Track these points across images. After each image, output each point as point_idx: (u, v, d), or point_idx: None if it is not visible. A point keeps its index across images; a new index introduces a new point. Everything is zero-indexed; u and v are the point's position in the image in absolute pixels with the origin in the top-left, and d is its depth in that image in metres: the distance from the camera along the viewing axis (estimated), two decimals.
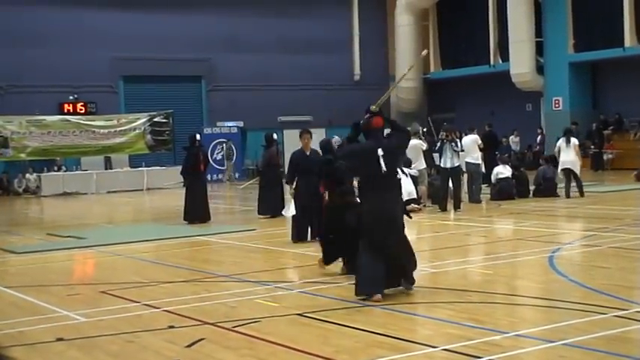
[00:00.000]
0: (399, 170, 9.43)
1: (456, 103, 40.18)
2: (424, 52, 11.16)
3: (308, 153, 14.77)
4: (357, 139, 9.33)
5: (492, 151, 25.95)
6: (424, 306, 8.63)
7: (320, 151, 12.32)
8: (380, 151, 8.99)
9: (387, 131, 9.50)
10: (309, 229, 14.15)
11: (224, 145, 35.57)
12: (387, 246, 8.95)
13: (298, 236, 14.20)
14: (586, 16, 34.15)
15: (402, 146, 9.71)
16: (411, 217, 9.83)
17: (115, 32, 35.34)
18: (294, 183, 14.44)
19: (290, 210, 14.50)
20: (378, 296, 8.73)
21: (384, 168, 8.96)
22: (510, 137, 35.03)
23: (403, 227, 9.25)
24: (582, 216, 18.02)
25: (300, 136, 15.18)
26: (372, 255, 8.93)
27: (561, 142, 20.90)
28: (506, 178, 21.16)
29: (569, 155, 20.56)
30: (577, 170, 20.49)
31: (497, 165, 21.92)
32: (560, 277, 9.90)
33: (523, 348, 6.77)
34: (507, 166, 21.64)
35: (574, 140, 20.82)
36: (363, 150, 9.25)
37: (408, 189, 18.83)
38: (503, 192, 20.89)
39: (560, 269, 10.35)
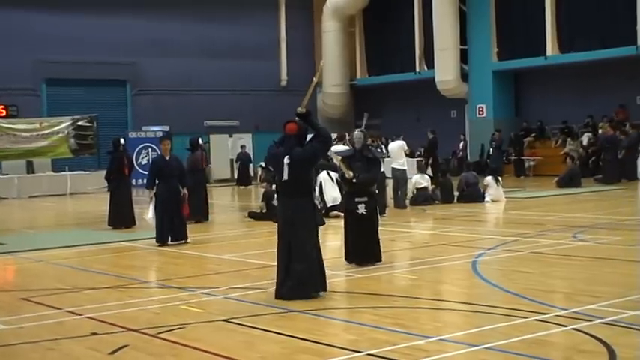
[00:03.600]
0: (308, 178, 9.46)
1: (382, 109, 40.48)
2: (322, 63, 11.55)
3: (168, 158, 15.36)
4: (282, 142, 9.38)
5: (435, 156, 27.69)
6: (349, 311, 8.67)
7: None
8: (286, 159, 9.22)
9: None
10: (170, 232, 14.95)
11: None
12: (286, 249, 9.29)
13: (161, 238, 14.86)
14: (509, 26, 34.77)
15: (313, 156, 9.47)
16: (323, 224, 9.86)
17: (38, 34, 34.73)
18: (155, 187, 15.11)
19: (150, 213, 15.11)
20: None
21: (285, 176, 9.21)
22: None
23: (305, 234, 9.25)
24: (505, 221, 18.33)
25: (160, 142, 15.84)
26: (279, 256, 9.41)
27: (490, 180, 21.79)
28: (425, 187, 21.45)
29: (498, 192, 21.62)
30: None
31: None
32: (483, 282, 10.04)
33: (447, 352, 6.85)
34: (425, 175, 21.97)
35: (500, 181, 22.17)
36: (274, 156, 9.51)
37: (332, 195, 18.92)
38: (424, 202, 21.16)
39: (483, 274, 10.50)
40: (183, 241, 14.93)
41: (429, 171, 25.34)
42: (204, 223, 18.46)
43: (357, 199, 11.50)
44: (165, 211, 14.78)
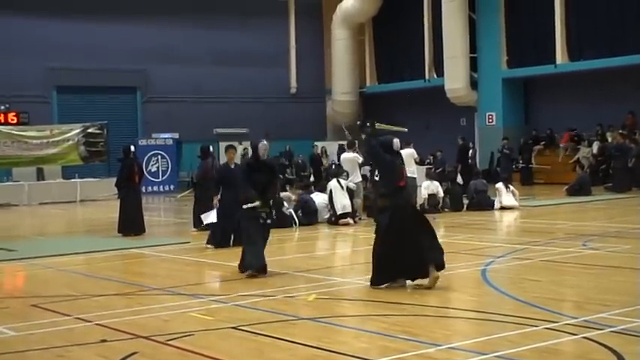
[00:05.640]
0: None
1: (391, 117, 40.38)
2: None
3: (232, 166, 15.80)
4: None
5: (466, 162, 27.66)
6: (359, 319, 8.65)
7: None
8: None
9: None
10: (232, 237, 15.26)
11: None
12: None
13: (220, 242, 15.23)
14: (519, 33, 34.72)
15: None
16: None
17: (48, 42, 34.83)
18: (219, 194, 15.56)
19: (210, 217, 15.62)
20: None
21: None
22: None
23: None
24: (514, 229, 18.31)
25: (226, 150, 16.25)
26: None
27: (501, 186, 21.82)
28: (434, 194, 21.37)
29: (509, 198, 21.63)
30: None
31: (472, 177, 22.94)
32: (493, 290, 10.02)
33: None
34: (435, 182, 21.84)
35: (512, 187, 22.29)
36: None
37: (342, 202, 18.94)
38: (433, 209, 21.10)
39: (493, 282, 10.48)
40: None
41: (459, 178, 25.18)
42: None
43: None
44: (228, 218, 14.93)
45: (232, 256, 14.07)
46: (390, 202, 10.30)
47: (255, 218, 11.88)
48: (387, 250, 10.12)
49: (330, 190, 19.08)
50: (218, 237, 15.30)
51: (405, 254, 10.05)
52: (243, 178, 12.18)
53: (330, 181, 19.66)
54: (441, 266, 10.20)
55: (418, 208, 20.75)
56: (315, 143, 37.41)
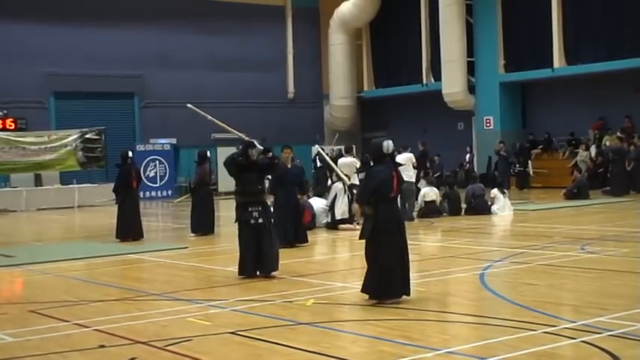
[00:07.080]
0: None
1: (389, 121, 40.51)
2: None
3: (289, 166, 16.10)
4: None
5: (426, 169, 27.78)
6: (357, 323, 8.65)
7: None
8: None
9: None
10: (293, 235, 15.71)
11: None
12: None
13: (284, 239, 15.21)
14: (516, 38, 34.79)
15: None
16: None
17: (46, 48, 34.82)
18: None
19: None
20: None
21: None
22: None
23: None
24: (512, 234, 18.30)
25: (282, 150, 16.40)
26: None
27: (496, 192, 21.85)
28: (433, 200, 21.32)
29: (505, 203, 21.65)
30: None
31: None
32: (491, 294, 10.02)
33: None
34: (434, 189, 21.83)
35: (507, 193, 22.52)
36: None
37: (342, 208, 18.89)
38: (432, 214, 21.06)
39: (491, 286, 10.48)
40: (306, 244, 15.79)
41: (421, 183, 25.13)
42: (210, 236, 18.51)
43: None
44: (285, 217, 15.33)
45: (230, 261, 14.08)
46: (375, 211, 9.63)
47: (247, 221, 11.95)
48: (378, 263, 9.62)
49: (335, 194, 19.03)
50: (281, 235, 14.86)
51: (392, 268, 9.54)
52: (232, 174, 12.21)
53: (334, 182, 19.60)
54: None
55: (416, 212, 20.94)
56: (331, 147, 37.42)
